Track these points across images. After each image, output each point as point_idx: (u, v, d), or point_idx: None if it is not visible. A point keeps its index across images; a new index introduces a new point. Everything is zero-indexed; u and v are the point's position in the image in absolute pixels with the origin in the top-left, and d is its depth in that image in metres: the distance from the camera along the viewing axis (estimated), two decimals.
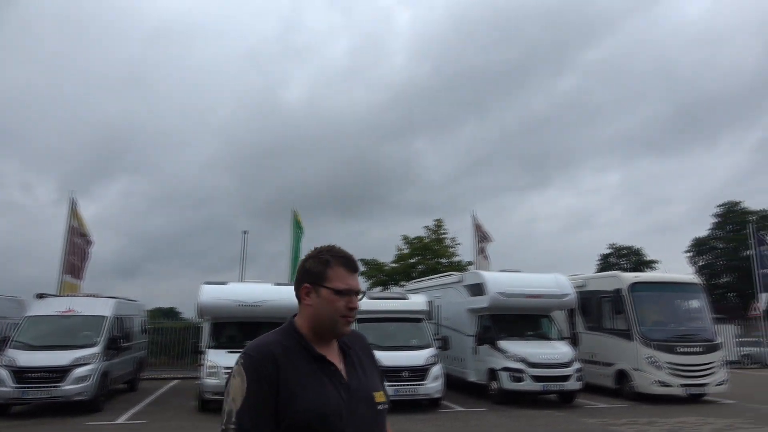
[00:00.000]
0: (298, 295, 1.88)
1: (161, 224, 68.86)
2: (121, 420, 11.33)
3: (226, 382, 1.74)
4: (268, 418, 1.64)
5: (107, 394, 12.95)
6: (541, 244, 68.29)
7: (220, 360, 12.08)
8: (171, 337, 21.22)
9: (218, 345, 12.89)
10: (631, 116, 74.33)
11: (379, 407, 1.84)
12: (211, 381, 11.85)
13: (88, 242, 19.02)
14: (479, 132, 77.80)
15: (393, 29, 79.92)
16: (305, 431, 1.66)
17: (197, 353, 13.41)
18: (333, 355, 1.83)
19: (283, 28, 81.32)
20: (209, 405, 12.17)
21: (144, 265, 66.60)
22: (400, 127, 76.00)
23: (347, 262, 1.87)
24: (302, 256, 14.75)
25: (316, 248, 1.93)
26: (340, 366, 1.82)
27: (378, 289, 26.20)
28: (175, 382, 17.69)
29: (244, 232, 24.03)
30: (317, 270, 1.84)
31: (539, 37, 71.67)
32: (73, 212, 18.23)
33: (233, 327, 13.57)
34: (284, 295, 13.58)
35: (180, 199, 70.39)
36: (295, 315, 1.90)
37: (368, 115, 74.74)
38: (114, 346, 13.09)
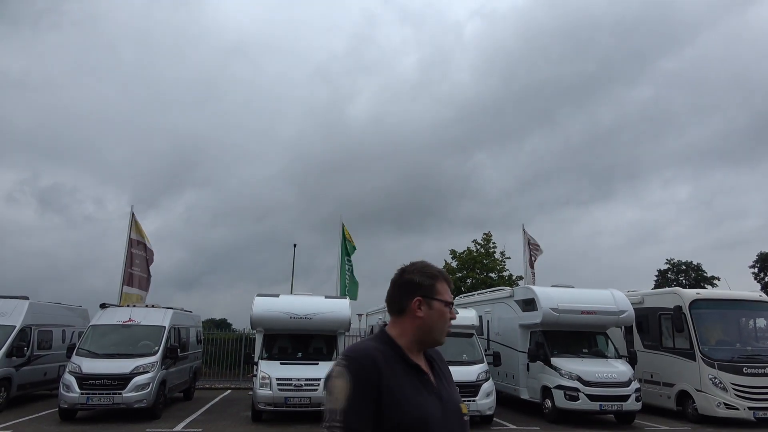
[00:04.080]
0: (402, 307, 1.94)
1: (222, 237, 70.69)
2: (178, 428, 11.65)
3: (325, 383, 1.81)
4: (370, 419, 1.70)
5: (165, 402, 13.35)
6: (604, 258, 66.14)
7: (273, 371, 12.28)
8: (224, 348, 21.72)
9: (270, 356, 13.12)
10: (704, 127, 71.12)
11: (465, 418, 1.93)
12: (263, 392, 12.04)
13: (150, 253, 19.74)
14: (543, 145, 76.22)
15: (463, 43, 79.58)
16: None
17: (250, 364, 13.66)
18: (423, 366, 1.91)
19: (354, 43, 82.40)
20: (262, 415, 12.37)
21: (202, 277, 68.55)
22: (462, 142, 75.55)
23: (448, 278, 2.01)
24: (349, 268, 14.83)
25: (413, 264, 2.02)
26: (431, 376, 1.91)
27: None
28: (228, 392, 18.07)
29: (294, 246, 24.51)
30: (428, 284, 1.94)
31: (614, 47, 69.64)
32: (134, 225, 19.02)
33: (285, 339, 13.78)
34: (335, 307, 13.75)
35: (242, 213, 72.19)
36: (385, 325, 1.99)
37: (432, 130, 74.65)
38: (171, 356, 13.50)
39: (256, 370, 12.55)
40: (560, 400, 12.75)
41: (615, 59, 69.77)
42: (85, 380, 11.94)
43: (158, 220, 65.67)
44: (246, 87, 76.11)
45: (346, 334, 14.64)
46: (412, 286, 1.94)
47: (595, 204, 74.87)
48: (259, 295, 13.88)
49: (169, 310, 14.60)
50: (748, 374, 12.98)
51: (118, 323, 13.61)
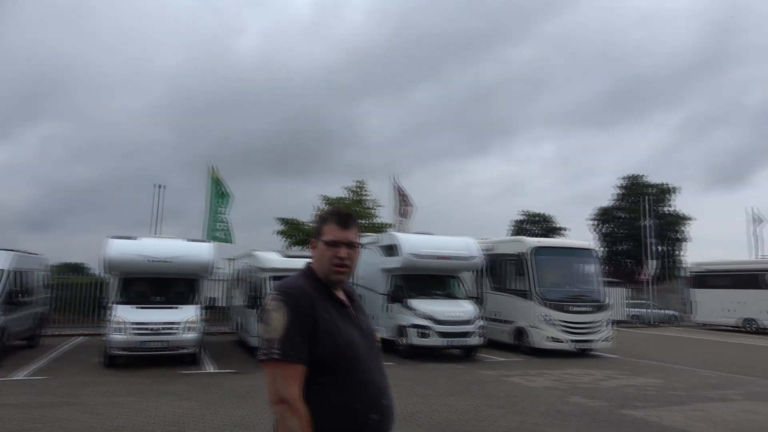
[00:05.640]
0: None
1: (83, 174, 64.55)
2: (20, 376, 10.96)
3: (260, 317, 1.96)
4: (305, 348, 1.88)
5: (5, 350, 12.43)
6: (475, 208, 70.75)
7: (128, 315, 11.91)
8: (77, 293, 20.42)
9: (127, 301, 12.66)
10: (572, 90, 77.27)
11: (378, 344, 2.19)
12: (117, 336, 11.67)
13: None
14: (428, 97, 78.25)
15: None
16: (340, 360, 1.92)
17: (102, 309, 13.09)
18: (345, 301, 2.12)
19: None
20: (116, 360, 12.02)
21: (58, 218, 62.61)
22: (351, 88, 74.82)
23: (339, 218, 2.10)
24: (222, 212, 14.57)
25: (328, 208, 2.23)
26: (351, 309, 2.12)
27: (297, 248, 26.31)
28: (80, 338, 17.18)
29: (159, 186, 23.22)
30: (317, 227, 2.12)
31: (504, 5, 72.08)
32: None
33: (142, 283, 13.32)
34: (197, 251, 13.46)
35: (107, 149, 66.03)
36: (309, 263, 2.14)
37: (321, 73, 72.73)
38: (12, 301, 12.52)
39: (109, 315, 12.08)
40: (413, 337, 13.80)
41: (504, 18, 72.73)
42: None
43: (6, 153, 58.59)
44: (122, 7, 68.69)
45: (209, 278, 14.48)
46: (314, 230, 2.14)
47: (470, 157, 79.26)
48: (113, 237, 13.17)
49: (8, 252, 13.39)
50: (572, 312, 14.93)
51: None
